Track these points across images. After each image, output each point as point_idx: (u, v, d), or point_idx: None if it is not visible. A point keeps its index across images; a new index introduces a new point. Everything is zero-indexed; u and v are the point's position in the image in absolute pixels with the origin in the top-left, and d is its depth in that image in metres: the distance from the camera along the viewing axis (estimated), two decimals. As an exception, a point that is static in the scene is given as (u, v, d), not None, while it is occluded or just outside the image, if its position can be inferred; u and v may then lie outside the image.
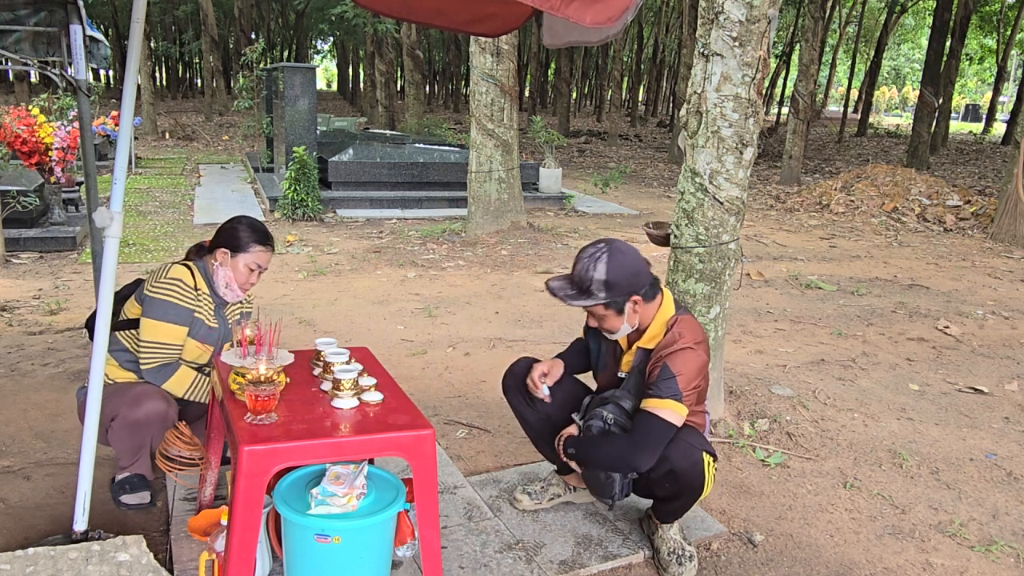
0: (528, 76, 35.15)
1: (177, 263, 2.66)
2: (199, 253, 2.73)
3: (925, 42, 23.00)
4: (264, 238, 2.65)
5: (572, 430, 2.50)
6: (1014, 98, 26.37)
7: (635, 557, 2.50)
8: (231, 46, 29.50)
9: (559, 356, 2.71)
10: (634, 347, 2.44)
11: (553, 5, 1.47)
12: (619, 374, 2.50)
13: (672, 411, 2.25)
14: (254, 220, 2.69)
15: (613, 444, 2.34)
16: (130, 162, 11.18)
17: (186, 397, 2.63)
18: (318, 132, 10.35)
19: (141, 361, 2.57)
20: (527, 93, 34.61)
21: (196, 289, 2.63)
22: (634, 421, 2.33)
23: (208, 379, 2.67)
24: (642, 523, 2.66)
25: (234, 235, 2.63)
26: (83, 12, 3.52)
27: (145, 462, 2.64)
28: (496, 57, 7.34)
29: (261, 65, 12.08)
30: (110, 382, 2.59)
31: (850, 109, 29.36)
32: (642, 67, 35.59)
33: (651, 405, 2.27)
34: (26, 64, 4.05)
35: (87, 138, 3.47)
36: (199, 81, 39.67)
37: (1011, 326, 5.49)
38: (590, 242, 2.38)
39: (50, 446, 3.10)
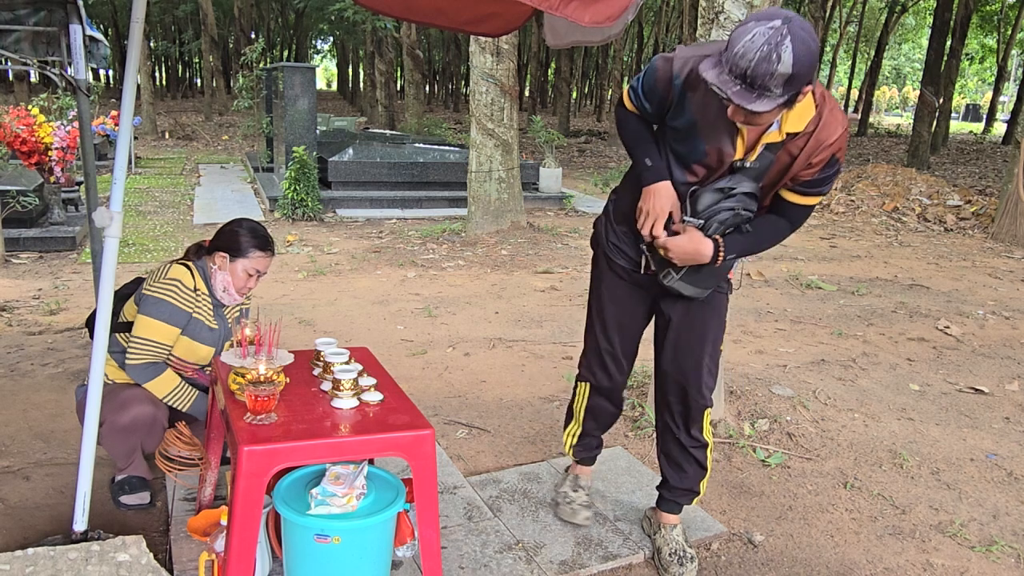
0: (528, 76, 35.14)
1: (177, 262, 2.65)
2: (198, 253, 2.72)
3: (926, 42, 22.99)
4: (264, 243, 2.63)
5: (696, 237, 2.12)
6: (1014, 98, 26.36)
7: (635, 557, 2.50)
8: (231, 46, 29.50)
9: (652, 175, 2.17)
10: (782, 132, 2.00)
11: (552, 5, 1.47)
12: (746, 163, 2.07)
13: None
14: (255, 224, 2.67)
15: (776, 231, 2.23)
16: (130, 162, 11.17)
17: (167, 402, 2.59)
18: (318, 132, 10.36)
19: (128, 356, 2.53)
20: (527, 93, 34.61)
21: (195, 290, 2.62)
22: (790, 210, 2.18)
23: (191, 388, 2.63)
24: (643, 523, 2.65)
25: (234, 239, 2.61)
26: (83, 12, 3.51)
27: (140, 463, 2.63)
28: (496, 57, 7.34)
29: (261, 65, 12.08)
30: (109, 382, 2.58)
31: (850, 109, 29.38)
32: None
33: (812, 200, 2.14)
34: (26, 64, 4.04)
35: (87, 138, 3.46)
36: (199, 81, 39.67)
37: (1012, 326, 5.49)
38: (755, 18, 1.78)
39: (50, 446, 3.10)
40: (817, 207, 10.64)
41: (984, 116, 34.32)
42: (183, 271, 2.61)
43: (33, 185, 6.75)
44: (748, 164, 2.06)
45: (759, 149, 2.04)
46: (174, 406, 2.61)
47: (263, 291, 5.52)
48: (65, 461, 2.96)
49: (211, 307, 2.68)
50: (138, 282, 2.77)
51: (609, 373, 2.57)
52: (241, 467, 1.79)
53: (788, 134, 2.01)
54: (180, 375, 2.65)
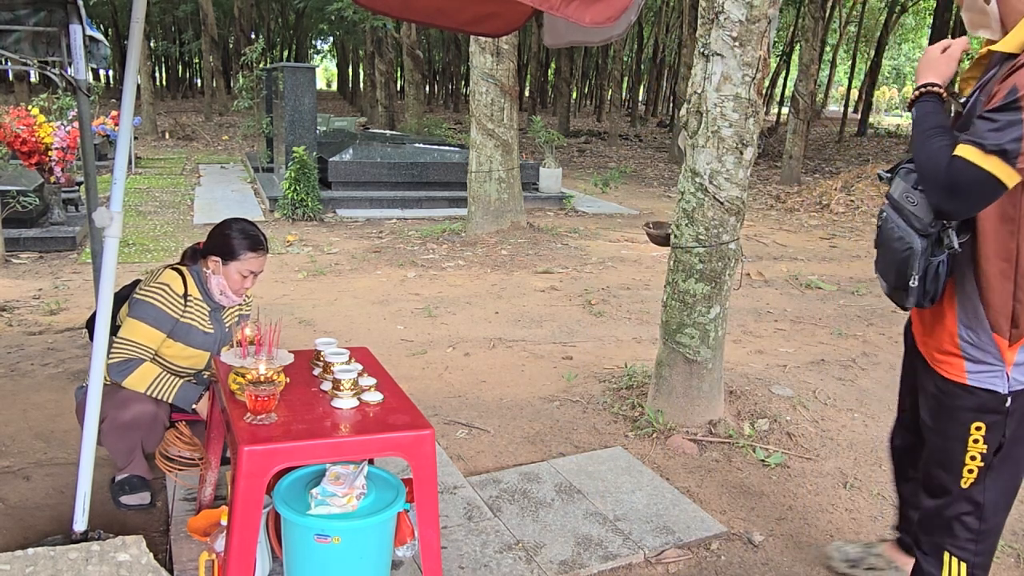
0: (528, 76, 35.12)
1: (170, 267, 2.65)
2: (194, 257, 2.71)
3: (925, 42, 22.99)
4: (256, 244, 2.61)
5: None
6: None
7: (635, 557, 2.50)
8: (231, 46, 29.50)
9: None
10: (984, 51, 1.76)
11: (552, 5, 1.47)
12: (960, 97, 1.78)
13: (983, 160, 1.54)
14: (246, 225, 2.64)
15: (941, 145, 1.63)
16: (130, 162, 11.18)
17: (149, 394, 2.55)
18: (318, 132, 10.36)
19: (109, 356, 2.47)
20: (527, 93, 34.62)
21: (186, 296, 2.61)
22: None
23: (173, 378, 2.60)
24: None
25: (225, 242, 2.59)
26: (83, 12, 3.51)
27: (140, 463, 2.63)
28: (496, 57, 7.34)
29: (261, 65, 12.08)
30: (109, 382, 2.58)
31: (850, 109, 29.34)
32: (642, 67, 35.58)
33: (962, 150, 1.57)
34: (26, 64, 4.04)
35: (87, 138, 3.46)
36: (199, 81, 39.66)
37: (1011, 326, 5.49)
38: None
39: (50, 446, 3.10)
40: (818, 207, 10.66)
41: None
42: (173, 276, 2.61)
43: (33, 185, 6.75)
44: (961, 99, 1.77)
45: (975, 79, 1.77)
46: (159, 397, 2.57)
47: (263, 291, 5.52)
48: (65, 461, 2.96)
49: (206, 311, 2.67)
50: (136, 284, 2.78)
51: None
52: (241, 467, 1.79)
53: (994, 52, 1.72)
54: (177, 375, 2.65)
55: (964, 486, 1.87)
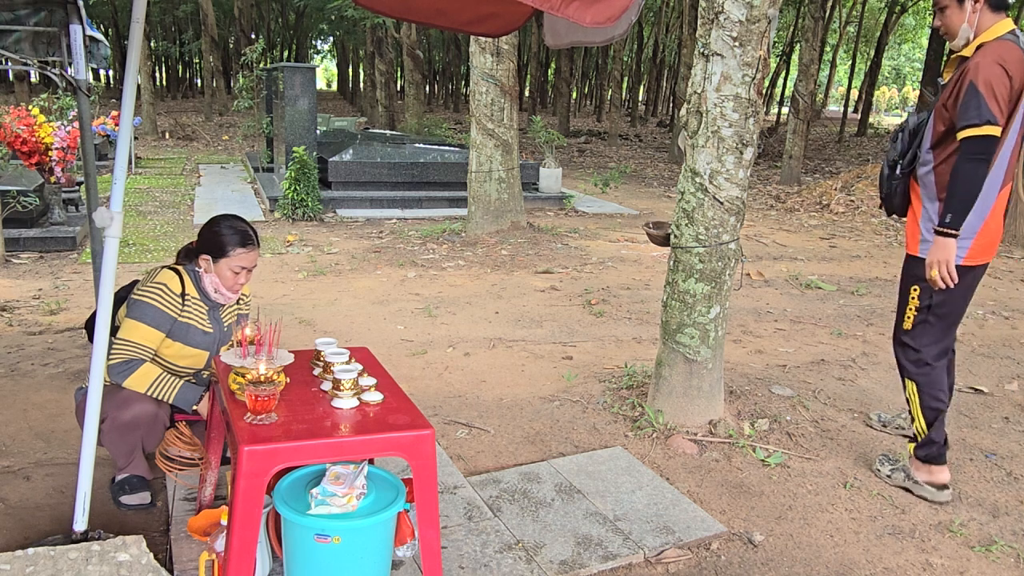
0: (528, 76, 35.13)
1: (167, 267, 2.65)
2: (189, 256, 2.71)
3: (925, 42, 22.97)
4: (244, 239, 2.59)
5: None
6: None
7: (635, 557, 2.50)
8: (231, 46, 29.50)
9: None
10: (955, 57, 2.66)
11: (553, 5, 1.47)
12: (940, 79, 2.76)
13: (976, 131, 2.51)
14: (234, 220, 2.63)
15: (954, 171, 2.63)
16: (130, 162, 11.18)
17: (150, 394, 2.54)
18: (318, 132, 10.36)
19: (109, 357, 2.46)
20: (527, 93, 34.61)
21: (183, 295, 2.61)
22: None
23: (173, 379, 2.59)
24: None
25: (214, 240, 2.58)
26: (83, 12, 3.52)
27: (141, 462, 2.63)
28: (496, 57, 7.34)
29: (261, 65, 12.08)
30: (108, 383, 2.58)
31: (850, 109, 29.35)
32: (642, 67, 35.59)
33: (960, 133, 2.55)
34: (26, 64, 4.04)
35: (87, 138, 3.47)
36: (199, 81, 39.68)
37: (1011, 326, 5.49)
38: None
39: (50, 446, 3.10)
40: (817, 207, 10.66)
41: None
42: (171, 276, 2.60)
43: (33, 185, 6.75)
44: (942, 81, 2.73)
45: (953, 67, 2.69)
46: (160, 398, 2.56)
47: (263, 291, 5.53)
48: (65, 461, 2.96)
49: (204, 310, 2.67)
50: (134, 285, 2.77)
51: None
52: (241, 467, 1.79)
53: (959, 56, 2.65)
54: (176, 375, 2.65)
55: (906, 328, 2.94)
